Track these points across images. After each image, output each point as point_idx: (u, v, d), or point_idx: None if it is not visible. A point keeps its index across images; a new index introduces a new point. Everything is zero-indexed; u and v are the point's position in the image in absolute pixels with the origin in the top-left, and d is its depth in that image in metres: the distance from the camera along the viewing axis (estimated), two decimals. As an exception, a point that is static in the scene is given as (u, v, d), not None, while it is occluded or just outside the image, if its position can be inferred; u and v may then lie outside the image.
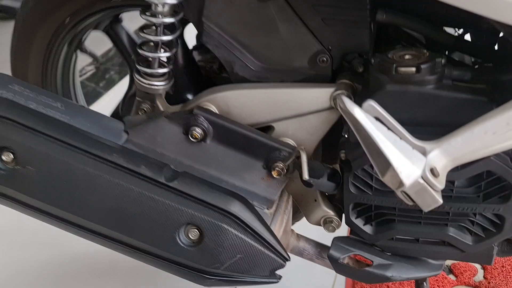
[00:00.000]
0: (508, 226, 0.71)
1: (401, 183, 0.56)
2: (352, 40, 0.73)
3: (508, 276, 1.16)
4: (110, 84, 2.09)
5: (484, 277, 1.17)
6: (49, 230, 0.88)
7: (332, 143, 0.83)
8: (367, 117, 0.56)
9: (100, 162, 0.69)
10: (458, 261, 1.21)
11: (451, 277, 1.18)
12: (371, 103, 0.58)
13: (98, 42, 1.30)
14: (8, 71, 0.95)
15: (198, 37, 0.80)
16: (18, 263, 1.30)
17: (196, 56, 0.99)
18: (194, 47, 0.99)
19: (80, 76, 1.98)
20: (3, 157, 0.69)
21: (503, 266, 1.18)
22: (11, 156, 0.69)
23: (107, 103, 1.91)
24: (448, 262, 1.22)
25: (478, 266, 1.20)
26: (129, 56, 1.00)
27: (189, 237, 0.69)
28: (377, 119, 0.58)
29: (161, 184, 0.69)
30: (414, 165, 0.55)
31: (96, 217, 0.69)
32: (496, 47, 0.76)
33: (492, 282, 1.15)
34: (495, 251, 0.77)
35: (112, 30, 0.98)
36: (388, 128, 0.56)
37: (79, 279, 1.28)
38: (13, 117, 0.70)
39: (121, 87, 2.05)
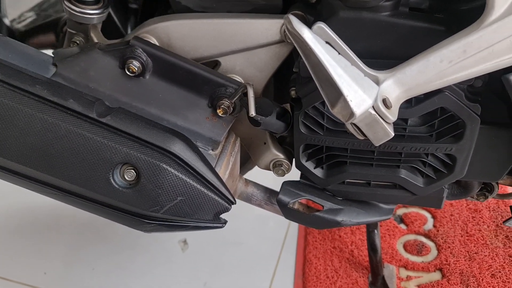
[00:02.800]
0: (459, 167, 0.70)
1: (351, 114, 0.52)
2: (305, -35, 0.67)
3: (456, 224, 1.17)
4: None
5: (433, 225, 1.18)
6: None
7: (284, 81, 0.78)
8: (316, 40, 0.50)
9: (20, 94, 0.61)
10: (409, 211, 1.21)
11: (402, 226, 1.19)
12: (321, 25, 0.52)
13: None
14: None
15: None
16: None
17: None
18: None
19: (19, 23, 1.82)
20: None
21: (451, 215, 1.20)
22: None
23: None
24: (400, 212, 1.22)
25: (428, 215, 1.21)
26: None
27: (125, 178, 0.63)
28: (328, 43, 0.53)
29: (92, 120, 0.62)
30: (365, 93, 0.51)
31: (18, 156, 0.61)
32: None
33: (440, 230, 1.16)
34: (445, 193, 0.76)
35: None
36: (339, 53, 0.52)
37: (22, 233, 1.20)
38: None
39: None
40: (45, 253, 1.15)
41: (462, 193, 0.80)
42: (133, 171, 0.62)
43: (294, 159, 0.76)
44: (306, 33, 0.50)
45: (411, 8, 0.62)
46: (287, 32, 0.52)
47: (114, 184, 0.62)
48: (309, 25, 0.68)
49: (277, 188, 0.79)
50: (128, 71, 0.69)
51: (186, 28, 0.70)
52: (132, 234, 0.94)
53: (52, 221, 1.24)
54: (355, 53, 0.57)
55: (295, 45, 0.53)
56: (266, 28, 0.69)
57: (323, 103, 0.67)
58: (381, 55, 0.62)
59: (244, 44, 0.70)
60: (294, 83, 0.70)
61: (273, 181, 0.84)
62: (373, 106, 0.52)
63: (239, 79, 0.73)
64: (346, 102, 0.51)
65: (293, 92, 0.70)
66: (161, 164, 0.62)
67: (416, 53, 0.57)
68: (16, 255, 1.15)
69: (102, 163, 0.61)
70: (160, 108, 0.70)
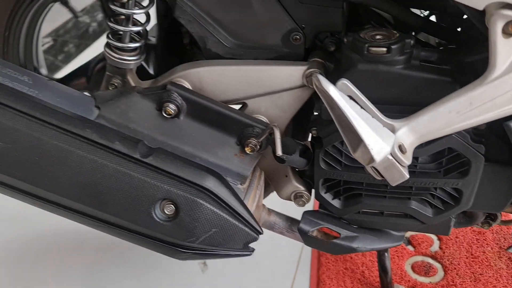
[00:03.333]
0: (465, 199, 0.76)
1: (371, 159, 0.59)
2: (325, 19, 0.74)
3: (461, 246, 1.24)
4: (69, 57, 2.02)
5: (439, 247, 1.24)
6: (13, 205, 0.87)
7: (302, 119, 0.85)
8: (341, 96, 0.58)
9: (73, 137, 0.68)
10: (416, 234, 1.28)
11: (410, 248, 1.25)
12: (344, 81, 0.60)
13: (55, 15, 1.26)
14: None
15: (171, 12, 0.79)
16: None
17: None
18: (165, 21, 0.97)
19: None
20: (-30, 132, 0.67)
21: (457, 237, 1.26)
22: (-22, 131, 0.67)
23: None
24: (407, 234, 1.28)
25: (434, 237, 1.28)
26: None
27: (165, 212, 0.70)
28: (350, 97, 0.60)
29: (136, 160, 0.69)
30: (384, 142, 0.58)
31: (70, 193, 0.68)
32: (459, 29, 0.79)
33: (446, 252, 1.22)
34: (452, 222, 0.83)
35: None
36: (361, 107, 0.59)
37: (46, 257, 1.26)
38: (-21, 91, 0.68)
39: (80, 61, 1.99)
40: (67, 275, 1.21)
41: (468, 221, 0.87)
42: (172, 205, 0.69)
43: (313, 191, 0.83)
44: (332, 91, 0.57)
45: (421, 60, 0.69)
46: (315, 88, 0.59)
47: (155, 217, 0.69)
48: (329, 71, 0.76)
49: (287, 210, 0.86)
50: (165, 113, 0.76)
51: (216, 74, 0.78)
52: (153, 256, 1.01)
53: (75, 244, 1.30)
54: (371, 100, 0.64)
55: (322, 99, 0.60)
56: (290, 74, 0.76)
57: (342, 142, 0.74)
58: (395, 102, 0.69)
59: (270, 88, 0.78)
60: (315, 124, 0.77)
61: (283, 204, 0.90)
62: (390, 152, 0.59)
63: (264, 119, 0.80)
64: (367, 149, 0.58)
65: (314, 132, 0.77)
66: (198, 199, 0.69)
67: (427, 100, 0.64)
68: (40, 278, 1.21)
69: (145, 199, 0.68)
70: (193, 146, 0.77)
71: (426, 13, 0.87)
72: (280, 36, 0.77)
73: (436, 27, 0.80)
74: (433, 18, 0.85)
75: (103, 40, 1.44)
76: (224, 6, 0.76)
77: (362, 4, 0.76)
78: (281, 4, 0.74)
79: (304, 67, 0.75)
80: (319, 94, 0.59)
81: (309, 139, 0.88)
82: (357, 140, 0.59)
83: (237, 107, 0.81)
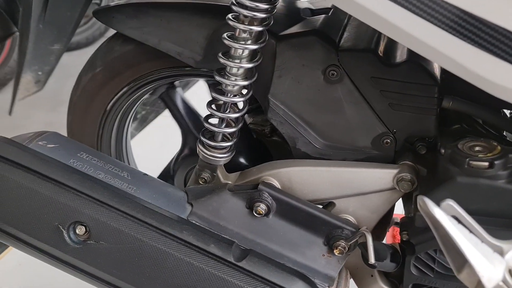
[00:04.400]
0: None
1: (479, 283, 0.57)
2: (418, 125, 0.75)
3: None
4: (142, 123, 2.12)
5: None
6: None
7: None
8: (448, 219, 0.57)
9: (171, 239, 0.70)
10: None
11: None
12: (450, 202, 0.59)
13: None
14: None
15: (264, 112, 0.82)
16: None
17: (248, 118, 1.01)
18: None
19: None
20: (77, 231, 0.71)
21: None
22: (84, 229, 0.71)
23: (140, 143, 1.94)
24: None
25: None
26: (183, 120, 1.03)
27: (256, 316, 0.70)
28: (455, 217, 0.59)
29: (230, 264, 0.70)
30: (495, 269, 0.56)
31: (165, 294, 0.70)
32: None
33: None
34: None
35: (168, 96, 1.02)
36: (470, 230, 0.58)
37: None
38: (87, 191, 0.72)
39: (154, 127, 2.09)
40: None
41: None
42: (265, 311, 0.69)
43: (400, 292, 0.81)
44: (438, 213, 0.56)
45: (524, 172, 0.67)
46: (419, 208, 0.58)
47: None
48: (419, 174, 0.75)
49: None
50: (255, 212, 0.77)
51: (306, 174, 0.79)
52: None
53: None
54: (470, 213, 0.62)
55: (425, 218, 0.59)
56: (380, 177, 0.76)
57: (435, 250, 0.73)
58: (495, 214, 0.67)
59: (359, 190, 0.78)
60: (406, 228, 0.76)
61: None
62: (502, 279, 0.57)
63: (352, 219, 0.80)
64: (475, 274, 0.56)
65: (405, 236, 0.76)
66: (289, 306, 0.68)
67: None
68: None
69: (238, 304, 0.69)
70: (280, 246, 0.78)
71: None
72: (370, 139, 0.78)
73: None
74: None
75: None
76: (316, 110, 0.78)
77: (457, 111, 0.76)
78: (373, 109, 0.76)
79: (395, 171, 0.75)
80: (422, 214, 0.59)
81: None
82: (463, 262, 0.58)
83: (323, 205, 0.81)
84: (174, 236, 0.70)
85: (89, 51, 1.07)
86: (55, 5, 0.88)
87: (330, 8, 0.88)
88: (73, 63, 1.70)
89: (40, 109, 2.11)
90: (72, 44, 2.52)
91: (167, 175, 1.07)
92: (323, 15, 0.85)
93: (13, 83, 0.96)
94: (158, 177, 1.04)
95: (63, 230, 0.71)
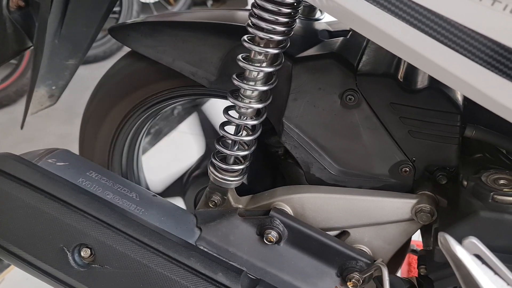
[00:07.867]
0: None
1: (504, 329, 0.53)
2: (439, 154, 0.72)
3: None
4: (156, 137, 2.11)
5: None
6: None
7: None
8: (471, 258, 0.53)
9: (178, 265, 0.68)
10: None
11: None
12: (473, 240, 0.55)
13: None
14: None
15: (277, 136, 0.80)
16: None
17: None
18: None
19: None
20: (82, 253, 0.69)
21: None
22: (89, 252, 0.69)
23: (152, 157, 1.93)
24: None
25: None
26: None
27: None
28: (477, 255, 0.56)
29: (238, 294, 0.67)
30: (522, 314, 0.52)
31: (169, 324, 0.67)
32: None
33: None
34: None
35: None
36: (494, 272, 0.54)
37: None
38: (94, 213, 0.70)
39: (167, 143, 2.08)
40: None
41: None
42: None
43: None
44: (460, 252, 0.53)
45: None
46: (440, 245, 0.55)
47: None
48: (439, 205, 0.72)
49: None
50: (266, 240, 0.74)
51: (320, 201, 0.76)
52: None
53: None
54: (492, 249, 0.59)
55: (446, 255, 0.56)
56: (397, 207, 0.73)
57: (455, 287, 0.69)
58: (521, 252, 0.63)
59: (375, 220, 0.74)
60: (424, 262, 0.72)
61: None
62: (527, 325, 0.53)
63: (367, 250, 0.76)
64: (500, 319, 0.52)
65: (422, 270, 0.72)
66: None
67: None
68: None
69: (245, 337, 0.66)
70: (291, 275, 0.75)
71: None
72: (388, 166, 0.75)
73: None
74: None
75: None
76: (332, 135, 0.75)
77: (479, 140, 0.72)
78: (392, 136, 0.73)
79: (414, 201, 0.72)
80: (443, 251, 0.55)
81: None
82: (486, 305, 0.54)
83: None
84: (181, 262, 0.68)
85: (106, 64, 1.07)
86: (71, 20, 0.87)
87: (348, 31, 0.85)
88: (89, 76, 1.71)
89: (55, 121, 2.13)
90: (89, 57, 2.56)
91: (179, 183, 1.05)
92: (341, 38, 0.82)
93: (26, 97, 0.96)
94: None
95: (67, 252, 0.69)
